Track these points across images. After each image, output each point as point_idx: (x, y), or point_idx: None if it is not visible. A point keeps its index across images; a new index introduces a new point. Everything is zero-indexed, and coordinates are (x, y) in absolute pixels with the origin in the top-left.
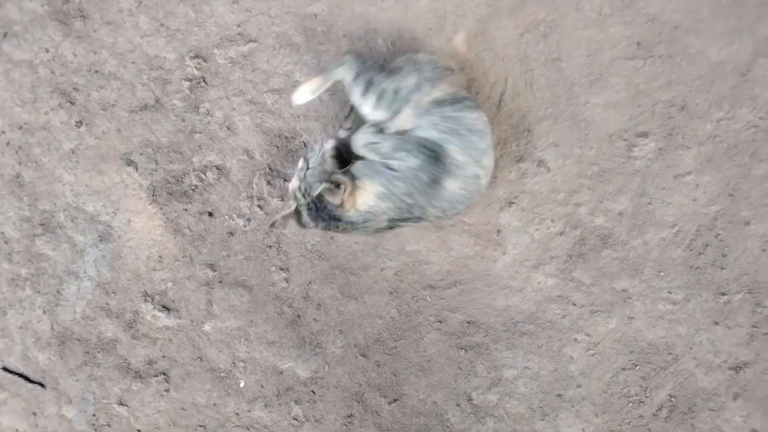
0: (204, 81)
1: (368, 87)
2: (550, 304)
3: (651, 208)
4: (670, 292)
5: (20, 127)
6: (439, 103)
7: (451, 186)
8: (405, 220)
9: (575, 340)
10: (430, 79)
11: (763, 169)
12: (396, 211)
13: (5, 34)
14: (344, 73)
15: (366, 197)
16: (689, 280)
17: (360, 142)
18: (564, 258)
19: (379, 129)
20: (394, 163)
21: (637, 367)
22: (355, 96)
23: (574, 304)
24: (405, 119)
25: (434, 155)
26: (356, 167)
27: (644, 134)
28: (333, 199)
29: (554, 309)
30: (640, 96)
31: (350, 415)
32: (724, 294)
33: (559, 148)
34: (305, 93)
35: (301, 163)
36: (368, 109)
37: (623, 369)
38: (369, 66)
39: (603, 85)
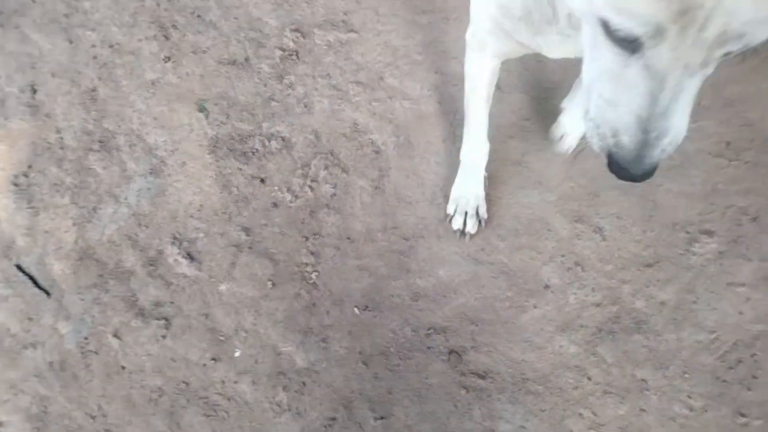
0: (296, 55)
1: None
2: (566, 371)
3: (694, 308)
4: (689, 396)
5: (111, 46)
6: None
7: None
8: None
9: (580, 414)
10: None
11: None
12: None
13: None
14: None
15: None
16: (712, 390)
17: None
18: (593, 330)
19: None
20: None
21: None
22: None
23: (590, 379)
24: None
25: None
26: None
27: (709, 233)
28: None
29: (568, 377)
30: (716, 195)
31: (333, 419)
32: (743, 415)
33: (620, 221)
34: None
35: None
36: None
37: None
38: None
39: (681, 173)
